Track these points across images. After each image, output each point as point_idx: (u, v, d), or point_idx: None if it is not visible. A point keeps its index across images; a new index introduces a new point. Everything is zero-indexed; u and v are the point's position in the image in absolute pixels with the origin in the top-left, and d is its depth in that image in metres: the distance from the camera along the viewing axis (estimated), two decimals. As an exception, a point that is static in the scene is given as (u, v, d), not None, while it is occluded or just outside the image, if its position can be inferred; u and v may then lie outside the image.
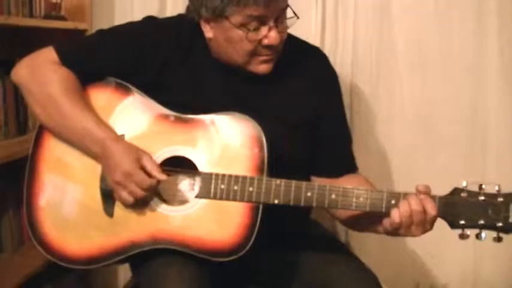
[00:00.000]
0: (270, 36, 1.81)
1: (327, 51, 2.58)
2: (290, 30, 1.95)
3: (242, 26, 1.79)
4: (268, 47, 1.83)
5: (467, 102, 2.63)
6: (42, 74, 1.90)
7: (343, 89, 2.21)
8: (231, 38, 1.82)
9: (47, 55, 1.93)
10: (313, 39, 2.57)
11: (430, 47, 2.62)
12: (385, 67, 2.65)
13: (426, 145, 2.66)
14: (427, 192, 1.70)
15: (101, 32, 2.04)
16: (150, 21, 2.01)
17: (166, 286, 1.71)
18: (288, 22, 1.87)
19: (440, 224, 1.72)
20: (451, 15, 2.60)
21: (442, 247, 2.63)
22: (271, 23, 1.80)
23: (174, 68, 1.92)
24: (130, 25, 2.02)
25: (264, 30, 1.81)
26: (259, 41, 1.81)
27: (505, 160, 2.61)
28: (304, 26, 2.56)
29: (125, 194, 1.77)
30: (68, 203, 1.88)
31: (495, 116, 2.62)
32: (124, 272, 2.73)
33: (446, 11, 2.60)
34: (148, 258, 1.80)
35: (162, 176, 1.77)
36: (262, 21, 1.80)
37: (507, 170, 2.58)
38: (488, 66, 2.60)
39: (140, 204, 1.80)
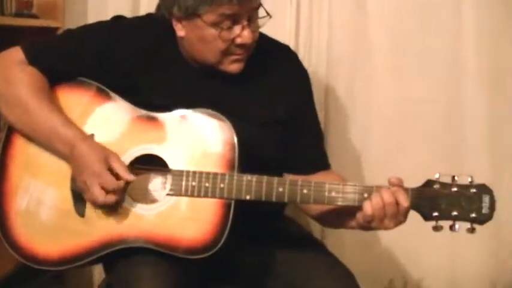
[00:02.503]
0: (243, 35, 1.80)
1: (301, 50, 2.60)
2: (265, 30, 1.94)
3: (215, 24, 1.78)
4: (241, 46, 1.82)
5: (444, 99, 2.63)
6: (8, 74, 1.88)
7: (318, 88, 2.22)
8: (203, 37, 1.81)
9: (14, 55, 1.92)
10: (287, 38, 2.55)
11: (406, 44, 2.61)
12: (361, 65, 2.63)
13: (403, 142, 2.66)
14: (399, 184, 1.70)
15: (69, 32, 2.04)
16: (118, 21, 2.00)
17: (140, 284, 1.69)
18: (260, 21, 1.86)
19: (416, 220, 1.72)
20: (428, 13, 2.60)
21: (418, 243, 2.62)
22: (245, 22, 1.80)
23: (143, 68, 1.91)
24: (99, 25, 2.01)
25: (237, 29, 1.80)
26: (232, 40, 1.81)
27: (481, 157, 2.61)
28: (279, 25, 2.54)
29: (93, 196, 1.75)
30: (38, 204, 1.86)
31: (472, 113, 2.62)
32: (98, 272, 2.70)
33: (423, 8, 2.60)
34: (121, 257, 1.78)
35: (130, 177, 1.76)
36: (235, 20, 1.79)
37: (484, 167, 2.58)
38: (465, 63, 2.60)
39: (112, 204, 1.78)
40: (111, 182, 1.74)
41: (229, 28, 1.79)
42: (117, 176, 1.75)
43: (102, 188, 1.74)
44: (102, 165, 1.75)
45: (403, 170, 2.54)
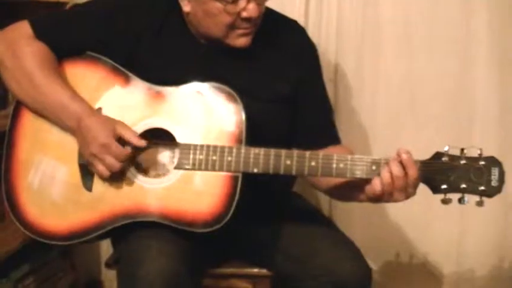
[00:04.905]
0: (249, 8, 1.80)
1: (311, 24, 2.58)
2: (275, 5, 1.95)
3: None
4: (247, 19, 1.82)
5: (453, 75, 2.61)
6: (16, 48, 1.89)
7: (327, 62, 2.19)
8: (209, 11, 1.81)
9: (22, 29, 1.93)
10: (297, 13, 2.54)
11: (415, 19, 2.59)
12: (370, 41, 2.61)
13: (411, 119, 2.64)
14: (408, 156, 1.69)
15: (76, 7, 2.07)
16: None
17: (147, 259, 1.69)
18: None
19: (424, 194, 1.71)
20: (440, -11, 2.58)
21: (425, 217, 2.62)
22: None
23: (149, 43, 1.92)
24: (105, 1, 2.01)
25: (242, 2, 1.80)
26: (238, 13, 1.80)
27: (490, 134, 2.60)
28: (289, 1, 2.54)
29: (101, 167, 1.77)
30: (46, 178, 1.87)
31: (481, 89, 2.60)
32: (106, 248, 2.71)
33: (434, -17, 2.58)
34: (129, 232, 1.79)
35: (141, 142, 1.77)
36: None
37: (493, 144, 2.56)
38: (475, 39, 2.58)
39: (119, 178, 1.79)
40: (122, 151, 1.75)
41: (235, 1, 1.79)
42: (126, 144, 1.77)
43: (116, 158, 1.75)
44: (109, 136, 1.76)
45: (411, 147, 2.53)
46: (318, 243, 1.85)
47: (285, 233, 1.92)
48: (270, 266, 1.95)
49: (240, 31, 1.84)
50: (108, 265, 2.06)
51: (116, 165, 1.75)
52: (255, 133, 1.78)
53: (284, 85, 1.94)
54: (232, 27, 1.83)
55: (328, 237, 1.88)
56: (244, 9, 1.80)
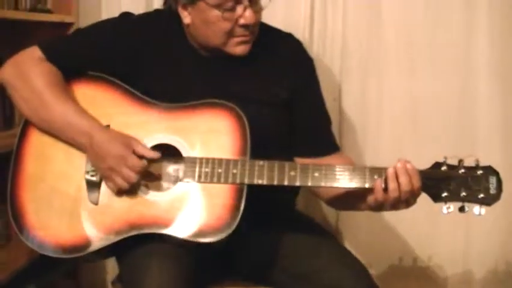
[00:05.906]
0: (246, 15, 1.86)
1: (315, 42, 2.60)
2: (279, 22, 2.02)
3: (218, 6, 1.85)
4: (245, 26, 1.88)
5: (456, 95, 2.61)
6: (25, 69, 1.94)
7: (332, 81, 2.19)
8: (208, 19, 1.87)
9: (32, 52, 1.98)
10: (302, 31, 2.55)
11: (419, 39, 2.60)
12: (374, 60, 2.62)
13: (415, 138, 2.64)
14: (408, 166, 1.72)
15: (80, 30, 2.14)
16: (126, 16, 2.07)
17: (148, 276, 1.70)
18: (262, 3, 1.92)
19: (427, 200, 1.73)
20: (440, 7, 2.59)
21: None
22: (246, 2, 1.86)
23: (152, 58, 1.97)
24: (108, 22, 2.10)
25: (239, 9, 1.86)
26: (236, 20, 1.87)
27: (494, 154, 2.58)
28: (293, 17, 2.57)
29: (120, 180, 1.80)
30: (52, 194, 1.88)
31: (484, 109, 2.60)
32: (112, 269, 2.68)
33: (435, 2, 2.59)
34: (131, 248, 1.80)
35: (156, 154, 1.81)
36: (237, 0, 1.85)
37: (497, 160, 2.49)
38: (477, 58, 2.59)
39: (125, 191, 1.81)
40: (138, 163, 1.79)
41: (232, 9, 1.86)
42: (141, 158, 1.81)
43: (132, 170, 1.78)
44: (127, 149, 1.80)
45: (415, 163, 2.56)
46: (322, 260, 1.86)
47: (288, 250, 1.93)
48: (273, 283, 1.95)
49: (238, 39, 1.90)
50: (114, 285, 2.05)
51: (133, 177, 1.79)
52: (255, 137, 1.81)
53: (281, 91, 1.99)
54: (230, 34, 1.89)
55: (333, 255, 1.89)
56: (241, 16, 1.86)
